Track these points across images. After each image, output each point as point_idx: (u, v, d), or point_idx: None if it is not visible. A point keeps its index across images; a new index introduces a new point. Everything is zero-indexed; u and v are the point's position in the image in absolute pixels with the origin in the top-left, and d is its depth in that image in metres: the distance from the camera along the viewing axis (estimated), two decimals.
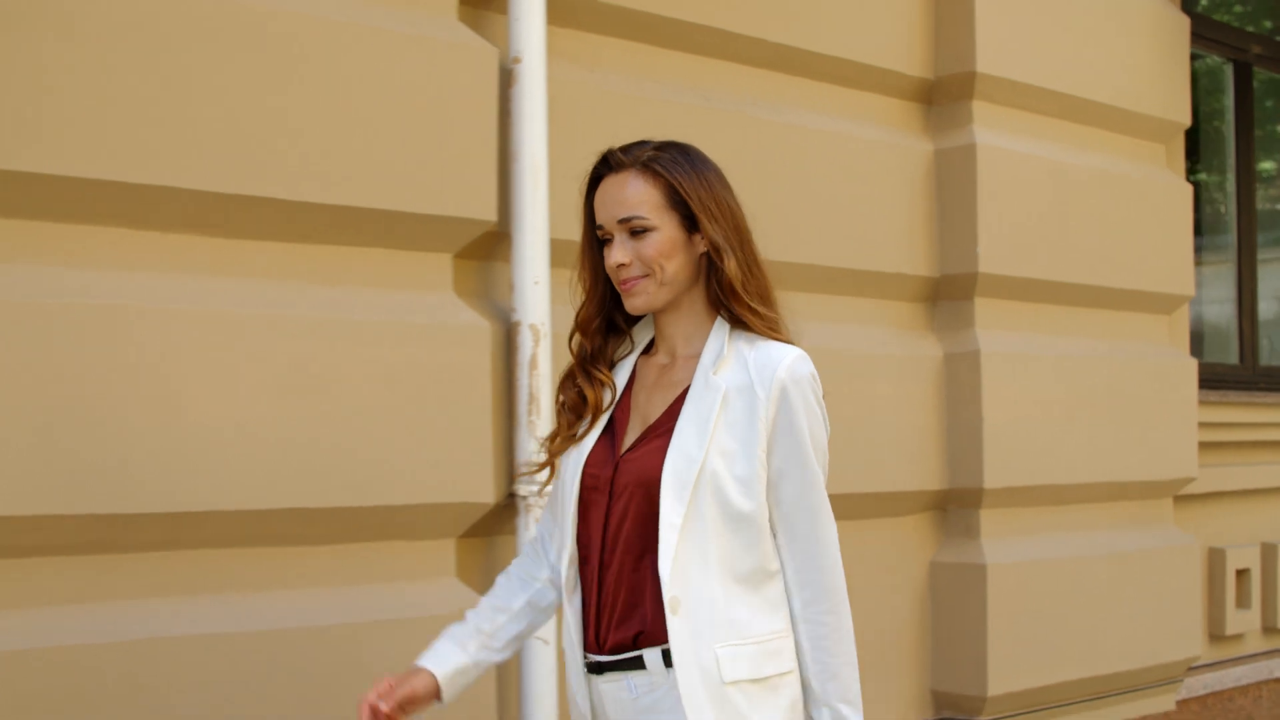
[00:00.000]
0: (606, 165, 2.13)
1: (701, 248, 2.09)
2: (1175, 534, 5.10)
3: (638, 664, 2.07)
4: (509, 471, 3.31)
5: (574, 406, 2.18)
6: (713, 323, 2.12)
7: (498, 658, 2.28)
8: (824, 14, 4.16)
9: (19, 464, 2.66)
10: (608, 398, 2.16)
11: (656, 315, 2.16)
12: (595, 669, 2.11)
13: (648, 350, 2.21)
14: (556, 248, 3.33)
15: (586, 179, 2.15)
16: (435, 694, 2.20)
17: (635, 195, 2.06)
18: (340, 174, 3.05)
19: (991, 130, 4.48)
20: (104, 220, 2.82)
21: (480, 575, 3.33)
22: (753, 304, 2.08)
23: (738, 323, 2.09)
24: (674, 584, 2.00)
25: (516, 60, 3.35)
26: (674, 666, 2.01)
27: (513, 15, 3.35)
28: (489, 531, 3.35)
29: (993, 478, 4.37)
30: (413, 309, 3.18)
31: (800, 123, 4.11)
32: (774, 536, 2.07)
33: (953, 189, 4.42)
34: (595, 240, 2.15)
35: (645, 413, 2.14)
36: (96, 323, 2.75)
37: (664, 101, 3.76)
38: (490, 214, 3.27)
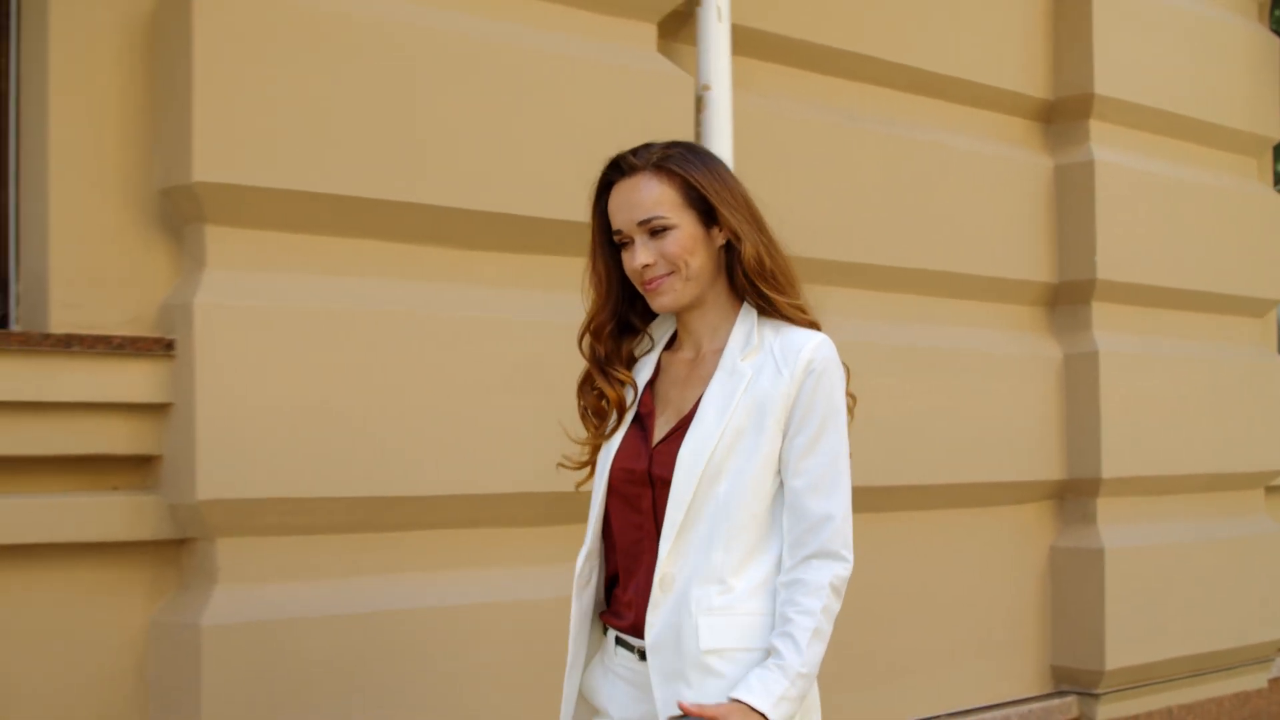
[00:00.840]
0: (618, 170, 2.10)
1: (720, 241, 2.09)
2: (1267, 523, 5.44)
3: None
4: None
5: (596, 410, 2.18)
6: (737, 313, 2.12)
7: None
8: (955, 40, 4.52)
9: (314, 452, 3.05)
10: (630, 396, 2.15)
11: (681, 312, 2.14)
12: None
13: (669, 346, 2.20)
14: None
15: (595, 185, 2.14)
16: None
17: (652, 196, 2.05)
18: (559, 191, 3.40)
19: (1107, 147, 4.83)
20: (367, 234, 3.20)
21: None
22: (776, 287, 2.08)
23: (763, 310, 2.10)
24: (669, 561, 2.01)
25: (706, 88, 3.70)
26: (647, 639, 2.01)
27: (701, 48, 3.71)
28: None
29: (1110, 468, 4.72)
30: None
31: (934, 140, 4.47)
32: (782, 514, 2.04)
33: (1072, 201, 4.77)
34: (606, 244, 2.15)
35: (679, 406, 2.11)
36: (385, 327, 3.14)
37: (822, 123, 4.11)
38: None
